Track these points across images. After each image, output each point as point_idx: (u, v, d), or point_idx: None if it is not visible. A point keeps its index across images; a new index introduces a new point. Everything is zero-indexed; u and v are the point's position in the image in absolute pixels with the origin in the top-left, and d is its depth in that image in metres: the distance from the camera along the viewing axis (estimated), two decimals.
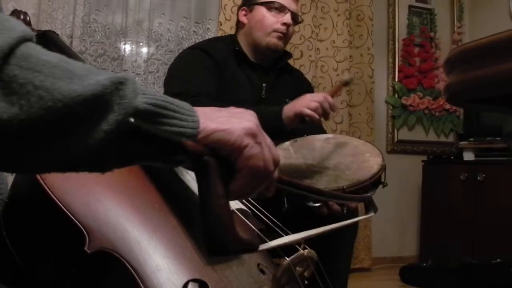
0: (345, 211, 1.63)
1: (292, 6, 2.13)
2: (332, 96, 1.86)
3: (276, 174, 0.73)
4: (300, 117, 1.77)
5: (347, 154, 1.78)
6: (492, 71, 1.17)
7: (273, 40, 2.10)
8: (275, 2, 2.11)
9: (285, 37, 2.13)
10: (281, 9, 2.11)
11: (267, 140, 0.72)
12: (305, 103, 1.75)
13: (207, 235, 0.65)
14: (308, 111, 1.73)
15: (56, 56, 0.56)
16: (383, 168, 1.67)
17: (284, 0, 2.12)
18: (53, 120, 0.52)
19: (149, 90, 0.62)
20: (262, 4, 2.14)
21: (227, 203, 0.67)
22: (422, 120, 4.48)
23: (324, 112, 1.76)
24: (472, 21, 4.68)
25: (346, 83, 1.95)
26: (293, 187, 0.83)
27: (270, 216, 1.03)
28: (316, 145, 1.80)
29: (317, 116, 1.74)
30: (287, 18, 2.09)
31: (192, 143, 0.62)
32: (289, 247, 0.90)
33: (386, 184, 1.69)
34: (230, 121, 0.67)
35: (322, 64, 3.99)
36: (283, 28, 2.09)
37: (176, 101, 0.65)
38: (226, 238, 0.65)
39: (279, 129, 1.80)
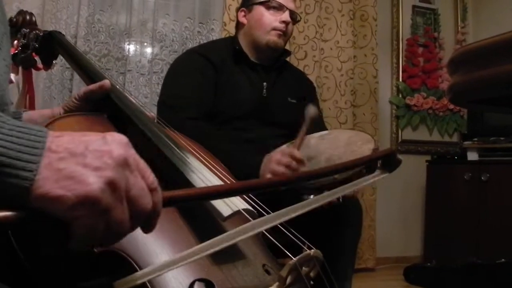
0: (340, 200, 1.63)
1: (290, 5, 2.14)
2: (300, 143, 1.81)
3: (155, 202, 0.65)
4: None
5: (340, 146, 1.77)
6: (495, 72, 1.17)
7: (272, 38, 2.11)
8: (273, 1, 2.12)
9: (285, 35, 2.14)
10: (280, 7, 2.12)
11: (137, 178, 0.63)
12: (272, 169, 1.68)
13: None
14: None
15: None
16: (375, 150, 1.66)
17: None
18: None
19: None
20: (260, 3, 2.15)
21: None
22: (426, 120, 4.48)
23: (294, 170, 1.71)
24: (476, 21, 4.68)
25: (313, 119, 1.87)
26: (296, 181, 0.82)
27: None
28: (311, 142, 1.80)
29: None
30: (286, 16, 2.10)
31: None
32: (294, 248, 0.90)
33: (383, 169, 1.68)
34: (69, 181, 0.57)
35: (326, 64, 4.00)
36: (282, 26, 2.10)
37: (15, 148, 0.57)
38: None
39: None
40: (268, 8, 2.12)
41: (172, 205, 0.70)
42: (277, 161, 1.68)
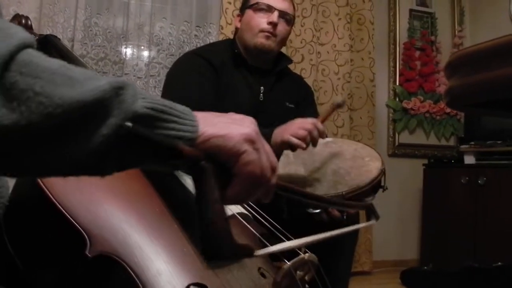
0: (344, 217, 1.63)
1: (280, 5, 2.12)
2: (323, 121, 1.80)
3: (274, 180, 0.73)
4: (286, 145, 1.73)
5: (346, 158, 1.77)
6: (493, 76, 1.17)
7: (260, 40, 2.10)
8: (259, 3, 2.12)
9: (275, 36, 2.12)
10: (268, 9, 2.11)
11: (265, 147, 0.72)
12: (293, 131, 1.70)
13: (203, 240, 0.65)
14: (295, 141, 1.68)
15: (56, 62, 0.56)
16: (382, 172, 1.67)
17: (271, 0, 2.12)
18: (53, 126, 0.53)
19: (149, 94, 0.62)
20: (249, 7, 2.15)
21: (222, 209, 0.67)
22: (423, 124, 4.48)
23: (313, 140, 1.73)
24: (473, 25, 4.69)
25: (338, 106, 1.91)
26: (292, 193, 0.83)
27: (271, 221, 1.03)
28: (316, 149, 1.79)
29: (303, 146, 1.68)
30: (273, 17, 2.09)
31: (188, 148, 0.62)
32: (289, 251, 0.90)
33: (386, 188, 1.69)
34: (229, 127, 0.68)
35: (323, 68, 4.00)
36: (269, 27, 2.09)
37: (176, 105, 0.65)
38: (222, 243, 0.66)
39: None
40: (256, 10, 2.12)
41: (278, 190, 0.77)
42: (299, 125, 1.69)
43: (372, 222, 1.09)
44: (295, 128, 1.70)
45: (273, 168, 0.73)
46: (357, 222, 1.96)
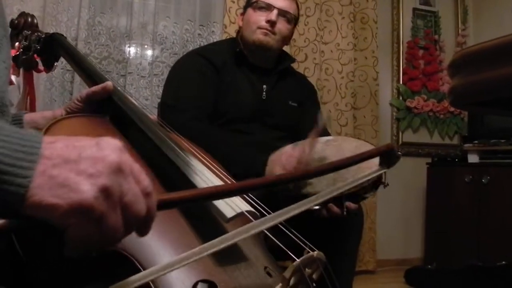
0: (345, 212, 1.63)
1: (280, 4, 2.13)
2: (310, 146, 1.81)
3: (141, 212, 0.63)
4: None
5: (346, 155, 1.78)
6: (496, 74, 1.17)
7: (258, 36, 2.11)
8: (259, 1, 2.13)
9: (274, 34, 2.13)
10: (267, 7, 2.12)
11: (124, 188, 0.62)
12: (282, 163, 1.66)
13: None
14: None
15: None
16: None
17: None
18: None
19: None
20: (250, 5, 2.17)
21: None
22: (427, 123, 4.48)
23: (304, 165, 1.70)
24: (477, 24, 4.69)
25: (323, 126, 1.89)
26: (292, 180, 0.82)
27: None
28: (317, 147, 1.79)
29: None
30: (271, 15, 2.09)
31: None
32: (297, 249, 0.90)
33: (387, 184, 1.69)
34: (63, 189, 0.57)
35: (326, 66, 4.00)
36: (266, 25, 2.10)
37: (10, 154, 0.56)
38: None
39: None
40: (255, 8, 2.14)
41: (167, 208, 0.69)
42: (288, 155, 1.68)
43: (382, 171, 1.04)
44: (284, 159, 1.67)
45: (146, 193, 0.64)
46: (359, 217, 1.95)
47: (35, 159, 0.57)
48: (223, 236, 0.68)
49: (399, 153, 1.06)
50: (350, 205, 1.69)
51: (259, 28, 2.11)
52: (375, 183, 1.65)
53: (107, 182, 0.59)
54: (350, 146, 1.84)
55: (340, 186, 0.97)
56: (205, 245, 0.67)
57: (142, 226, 0.65)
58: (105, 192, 0.59)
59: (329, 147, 1.85)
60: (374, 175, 1.07)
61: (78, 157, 0.60)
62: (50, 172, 0.57)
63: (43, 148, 0.59)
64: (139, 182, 0.64)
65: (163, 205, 0.67)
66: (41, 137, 0.60)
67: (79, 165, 0.59)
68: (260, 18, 2.11)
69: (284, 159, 1.67)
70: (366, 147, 1.82)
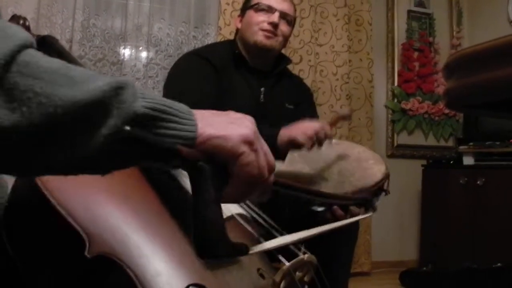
0: (348, 216, 1.63)
1: (281, 6, 2.13)
2: (330, 127, 1.85)
3: (271, 180, 0.74)
4: (293, 143, 1.74)
5: (351, 160, 1.78)
6: (491, 77, 1.17)
7: (259, 38, 2.11)
8: (260, 3, 2.13)
9: (276, 36, 2.13)
10: (269, 9, 2.12)
11: (264, 147, 0.73)
12: (302, 130, 1.72)
13: (197, 239, 0.66)
14: (301, 140, 1.70)
15: (56, 62, 0.56)
16: (386, 176, 1.68)
17: (271, 0, 2.13)
18: (54, 126, 0.53)
19: (149, 93, 0.63)
20: (250, 7, 2.17)
21: (219, 209, 0.68)
22: (422, 125, 4.49)
23: (319, 141, 1.73)
24: (471, 26, 4.69)
25: (344, 118, 1.94)
26: (292, 190, 0.83)
27: (270, 221, 1.03)
28: (320, 149, 1.80)
29: (309, 145, 1.70)
30: (274, 17, 2.10)
31: (186, 149, 0.63)
32: (288, 252, 0.90)
33: (389, 192, 1.69)
34: (228, 127, 0.68)
35: (321, 68, 4.00)
36: (268, 27, 2.10)
37: (176, 105, 0.65)
38: (217, 242, 0.66)
39: (272, 151, 1.75)
40: (257, 10, 2.14)
41: (277, 186, 0.80)
42: (308, 125, 1.72)
43: (370, 214, 1.10)
44: (303, 128, 1.72)
45: (271, 168, 0.73)
46: (358, 222, 1.96)
47: (192, 112, 0.68)
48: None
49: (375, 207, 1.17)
50: (355, 210, 1.70)
51: (261, 30, 2.11)
52: (377, 191, 1.65)
53: (255, 130, 0.72)
54: (354, 151, 1.86)
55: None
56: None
57: (266, 189, 0.74)
58: (255, 135, 0.71)
59: (332, 150, 1.86)
60: (366, 216, 1.15)
61: (226, 115, 0.73)
62: (209, 120, 0.69)
63: (193, 111, 0.68)
64: (266, 156, 0.74)
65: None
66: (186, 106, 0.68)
67: (229, 118, 0.72)
68: (261, 19, 2.11)
69: (304, 127, 1.70)
70: (368, 153, 1.84)
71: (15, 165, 0.56)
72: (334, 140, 2.00)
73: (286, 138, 1.74)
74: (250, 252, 0.74)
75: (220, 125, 0.68)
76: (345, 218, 1.62)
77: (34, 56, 0.55)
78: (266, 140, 1.76)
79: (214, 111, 0.73)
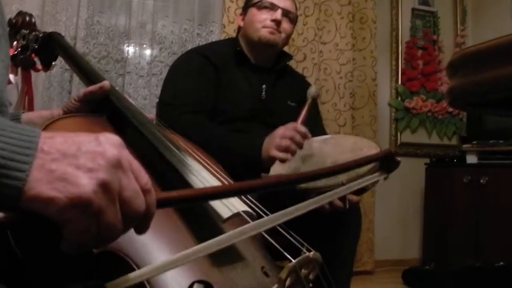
0: (347, 206, 1.63)
1: (283, 3, 2.14)
2: (304, 120, 1.83)
3: (141, 209, 0.63)
4: (273, 160, 1.71)
5: (345, 151, 1.78)
6: (494, 75, 1.17)
7: (264, 34, 2.11)
8: (263, 1, 2.14)
9: (279, 32, 2.13)
10: (271, 7, 2.13)
11: (128, 187, 0.62)
12: (276, 144, 1.69)
13: None
14: (280, 155, 1.68)
15: None
16: None
17: None
18: None
19: None
20: (253, 5, 2.17)
21: (48, 264, 0.65)
22: (425, 123, 4.48)
23: (298, 145, 1.71)
24: (475, 24, 4.69)
25: (314, 99, 1.92)
26: (293, 182, 0.82)
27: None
28: (314, 146, 1.80)
29: (288, 157, 1.68)
30: (276, 14, 2.11)
31: None
32: (294, 250, 0.90)
33: (387, 176, 1.68)
34: (61, 183, 0.57)
35: (325, 66, 4.00)
36: (272, 24, 2.11)
37: (7, 149, 0.56)
38: None
39: (257, 163, 1.75)
40: (260, 8, 2.14)
41: (166, 207, 0.69)
42: (280, 135, 1.70)
43: (382, 176, 1.05)
44: (277, 140, 1.70)
45: (145, 190, 0.64)
46: (357, 216, 1.95)
47: (32, 153, 0.57)
48: (220, 237, 0.68)
49: (399, 159, 1.05)
50: (352, 198, 1.70)
51: (265, 27, 2.11)
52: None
53: (106, 176, 0.59)
54: (348, 142, 1.85)
55: (343, 189, 0.96)
56: (202, 245, 0.66)
57: (141, 223, 0.64)
58: (104, 186, 0.58)
59: (327, 145, 1.86)
60: (375, 179, 1.07)
61: (77, 151, 0.59)
62: (48, 166, 0.57)
63: (41, 142, 0.58)
64: (138, 178, 0.63)
65: (162, 203, 0.66)
66: (39, 132, 0.59)
67: (78, 159, 0.59)
68: (264, 17, 2.12)
69: (277, 139, 1.69)
70: (363, 142, 1.82)
71: None
72: (329, 136, 2.00)
73: (266, 157, 1.73)
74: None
75: (58, 174, 0.57)
76: (343, 208, 1.62)
77: None
78: (250, 153, 1.74)
79: (72, 139, 0.61)
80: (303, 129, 1.72)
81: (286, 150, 1.68)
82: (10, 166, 0.55)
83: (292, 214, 0.77)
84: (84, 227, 0.58)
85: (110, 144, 0.62)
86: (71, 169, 0.58)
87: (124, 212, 0.61)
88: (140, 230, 0.66)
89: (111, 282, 0.62)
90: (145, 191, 0.63)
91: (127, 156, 0.63)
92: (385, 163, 1.06)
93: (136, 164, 0.64)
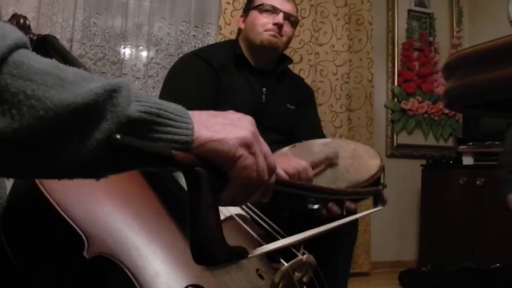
0: (344, 213, 1.63)
1: (285, 7, 2.14)
2: (314, 168, 1.81)
3: (272, 181, 0.73)
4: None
5: (345, 156, 1.78)
6: (491, 77, 1.17)
7: (266, 37, 2.11)
8: (264, 4, 2.13)
9: (281, 36, 2.13)
10: (273, 10, 2.12)
11: (264, 148, 0.71)
12: (284, 166, 1.64)
13: (195, 246, 0.64)
14: (282, 175, 1.65)
15: (49, 63, 0.55)
16: (381, 169, 1.67)
17: (275, 1, 2.13)
18: (46, 129, 0.52)
19: (144, 95, 0.62)
20: (254, 8, 2.17)
21: (216, 214, 0.66)
22: (421, 124, 4.48)
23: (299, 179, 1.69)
24: (472, 26, 4.69)
25: (331, 159, 1.89)
26: (294, 188, 0.83)
27: (269, 221, 1.03)
28: (315, 149, 1.79)
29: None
30: (278, 18, 2.10)
31: (182, 154, 0.61)
32: (287, 253, 0.90)
33: (385, 186, 1.69)
34: (226, 130, 0.67)
35: (321, 68, 4.00)
36: (274, 27, 2.11)
37: (171, 107, 0.64)
38: (214, 249, 0.65)
39: None
40: (261, 11, 2.14)
41: (280, 186, 0.79)
42: (293, 163, 1.66)
43: (379, 207, 1.09)
44: (286, 164, 1.67)
45: (271, 170, 0.72)
46: (356, 213, 1.95)
47: (189, 114, 0.66)
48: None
49: (386, 199, 1.14)
50: (350, 205, 1.70)
51: (266, 30, 2.11)
52: (374, 184, 1.65)
53: (253, 131, 0.70)
54: (349, 148, 1.85)
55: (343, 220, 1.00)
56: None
57: (266, 190, 0.73)
58: (255, 137, 0.69)
59: (328, 149, 1.85)
60: (373, 211, 1.13)
61: (224, 116, 0.71)
62: (207, 122, 0.67)
63: (190, 113, 0.67)
64: (266, 157, 0.72)
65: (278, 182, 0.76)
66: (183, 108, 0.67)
67: (227, 119, 0.70)
68: (266, 20, 2.12)
69: (287, 164, 1.66)
70: (363, 149, 1.82)
71: (7, 168, 0.55)
72: (329, 140, 2.00)
73: None
74: (250, 255, 0.73)
75: (217, 127, 0.66)
76: (341, 214, 1.62)
77: (26, 57, 0.54)
78: None
79: (213, 112, 0.71)
80: (311, 174, 1.67)
81: (291, 176, 1.66)
82: (178, 120, 0.63)
83: (309, 234, 0.81)
84: (249, 164, 0.67)
85: (246, 119, 0.73)
86: (226, 124, 0.68)
87: (267, 163, 0.71)
88: (265, 195, 0.75)
89: None
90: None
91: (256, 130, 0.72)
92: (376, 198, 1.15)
93: (265, 146, 0.73)
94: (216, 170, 0.66)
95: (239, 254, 0.71)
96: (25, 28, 1.67)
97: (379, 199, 1.12)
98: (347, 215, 1.65)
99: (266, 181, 0.71)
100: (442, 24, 4.66)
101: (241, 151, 0.66)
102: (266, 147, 0.72)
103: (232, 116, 0.72)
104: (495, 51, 1.17)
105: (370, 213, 1.15)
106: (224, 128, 0.67)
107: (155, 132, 0.60)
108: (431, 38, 4.57)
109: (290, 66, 2.50)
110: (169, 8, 3.68)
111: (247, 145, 0.67)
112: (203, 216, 0.64)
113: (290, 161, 1.69)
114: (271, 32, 2.11)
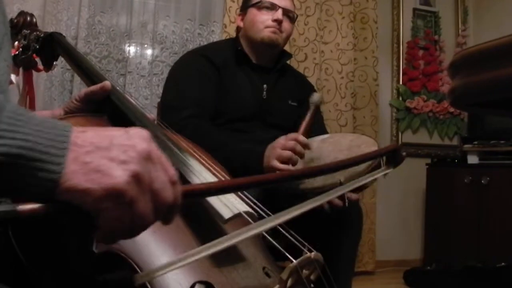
0: (347, 204, 1.63)
1: (284, 3, 2.15)
2: (306, 129, 1.81)
3: (170, 199, 0.65)
4: (274, 170, 1.69)
5: (343, 149, 1.77)
6: (496, 75, 1.17)
7: (267, 34, 2.12)
8: (263, 1, 2.14)
9: (281, 32, 2.14)
10: (272, 7, 2.13)
11: (158, 179, 0.64)
12: (277, 154, 1.68)
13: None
14: (281, 166, 1.67)
15: None
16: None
17: None
18: None
19: (14, 126, 0.57)
20: (253, 5, 2.18)
21: (84, 257, 0.65)
22: (426, 123, 4.48)
23: (299, 155, 1.70)
24: (477, 24, 4.68)
25: (317, 107, 1.89)
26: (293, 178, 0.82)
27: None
28: (313, 146, 1.80)
29: (290, 167, 1.67)
30: (277, 14, 2.11)
31: (27, 210, 0.58)
32: (294, 251, 0.90)
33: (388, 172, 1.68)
34: (97, 174, 0.59)
35: (326, 66, 4.00)
36: (274, 24, 2.11)
37: (43, 138, 0.58)
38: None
39: (259, 171, 1.72)
40: (260, 8, 2.14)
41: (191, 198, 0.72)
42: (282, 145, 1.69)
43: (389, 169, 1.04)
44: (278, 150, 1.69)
45: (173, 182, 0.66)
46: (357, 210, 1.95)
47: (66, 146, 0.59)
48: (223, 237, 0.68)
49: (404, 153, 1.06)
50: (352, 196, 1.70)
51: (267, 27, 2.12)
52: (374, 170, 1.64)
53: (138, 168, 0.61)
54: (346, 140, 1.85)
55: (346, 186, 0.96)
56: (205, 245, 0.66)
57: (168, 213, 0.67)
58: (136, 177, 0.61)
59: (326, 144, 1.86)
60: (380, 174, 1.08)
61: (109, 144, 0.62)
62: (82, 159, 0.59)
63: (74, 136, 0.61)
64: (166, 171, 0.66)
65: (187, 195, 0.69)
66: (71, 126, 0.62)
67: (110, 152, 0.61)
68: (265, 17, 2.13)
69: (278, 150, 1.68)
70: (361, 139, 1.82)
71: None
72: (327, 135, 2.00)
73: (267, 164, 1.72)
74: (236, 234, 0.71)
75: (92, 166, 0.60)
76: (343, 206, 1.62)
77: None
78: (251, 163, 1.73)
79: (104, 134, 0.63)
80: (304, 139, 1.71)
81: (287, 161, 1.68)
82: (47, 160, 0.57)
83: (291, 214, 0.78)
84: (118, 216, 0.61)
85: (139, 137, 0.65)
86: (105, 161, 0.60)
87: (154, 202, 0.64)
88: (167, 220, 0.69)
89: (138, 274, 0.63)
90: (172, 183, 0.66)
91: (156, 149, 0.66)
92: (391, 157, 1.07)
93: (163, 157, 0.67)
94: (85, 213, 0.61)
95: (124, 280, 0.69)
96: (32, 25, 1.68)
97: (392, 159, 1.07)
98: (351, 209, 1.65)
99: (147, 220, 0.64)
100: (447, 22, 4.65)
101: (106, 204, 0.60)
102: (161, 178, 0.65)
103: (122, 142, 0.63)
104: (500, 50, 1.17)
105: (378, 176, 1.09)
106: (98, 169, 0.60)
107: (15, 174, 0.57)
108: (436, 37, 4.56)
109: (295, 64, 2.50)
110: (174, 6, 3.68)
111: (115, 195, 0.60)
112: (70, 262, 0.62)
113: (277, 148, 1.70)
114: (272, 29, 2.11)
